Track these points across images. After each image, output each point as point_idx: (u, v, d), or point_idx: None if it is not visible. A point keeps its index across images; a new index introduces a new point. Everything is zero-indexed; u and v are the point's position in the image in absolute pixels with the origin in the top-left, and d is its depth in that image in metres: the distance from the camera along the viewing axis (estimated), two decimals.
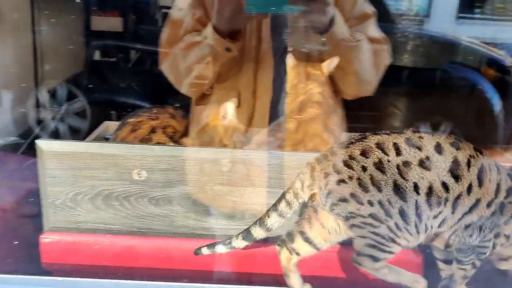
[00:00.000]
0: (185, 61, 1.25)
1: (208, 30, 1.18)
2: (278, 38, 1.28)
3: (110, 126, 1.32)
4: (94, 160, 0.98)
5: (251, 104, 1.28)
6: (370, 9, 1.29)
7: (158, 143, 1.09)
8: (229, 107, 1.09)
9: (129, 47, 3.39)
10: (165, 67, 1.30)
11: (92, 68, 3.48)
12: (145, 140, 1.09)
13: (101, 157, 0.98)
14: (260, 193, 0.99)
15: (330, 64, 1.10)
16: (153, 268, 1.04)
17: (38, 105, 3.02)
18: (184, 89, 1.30)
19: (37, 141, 0.97)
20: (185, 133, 1.13)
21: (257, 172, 0.99)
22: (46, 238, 1.02)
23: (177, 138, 1.12)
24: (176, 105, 1.31)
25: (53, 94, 3.04)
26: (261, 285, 0.98)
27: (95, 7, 3.87)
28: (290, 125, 1.09)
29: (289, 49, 1.28)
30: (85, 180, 0.99)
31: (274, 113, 1.28)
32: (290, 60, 1.12)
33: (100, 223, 1.02)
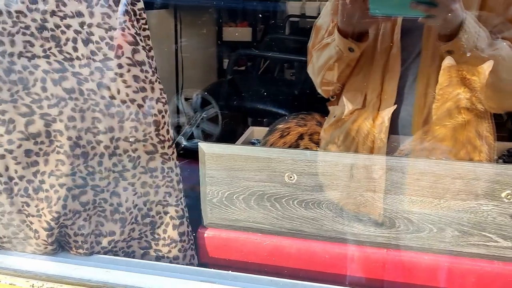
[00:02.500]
0: (318, 61, 1.32)
1: (335, 31, 1.22)
2: (408, 43, 1.26)
3: (255, 131, 1.40)
4: (249, 163, 1.05)
5: (376, 106, 1.27)
6: None
7: (306, 149, 1.12)
8: (386, 114, 1.10)
9: (259, 56, 3.52)
10: (308, 69, 1.38)
11: (224, 77, 3.67)
12: (293, 146, 1.14)
13: (255, 160, 1.04)
14: (411, 202, 0.98)
15: (487, 69, 1.04)
16: (300, 269, 1.08)
17: (178, 111, 3.27)
18: (319, 88, 1.37)
19: (200, 144, 1.07)
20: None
21: (408, 180, 0.98)
22: (204, 234, 1.11)
23: None
24: None
25: (190, 101, 3.27)
26: None
27: (227, 19, 4.07)
28: (439, 132, 1.06)
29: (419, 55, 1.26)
30: (240, 180, 1.06)
31: (396, 118, 1.26)
32: (446, 61, 1.08)
33: (252, 222, 1.08)
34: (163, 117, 1.02)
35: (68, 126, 0.93)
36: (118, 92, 0.97)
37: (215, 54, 3.94)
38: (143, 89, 0.99)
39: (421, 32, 1.24)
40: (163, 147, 1.03)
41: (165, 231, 1.09)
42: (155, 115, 1.00)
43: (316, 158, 1.02)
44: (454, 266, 0.98)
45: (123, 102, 0.97)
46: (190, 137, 3.30)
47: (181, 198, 1.09)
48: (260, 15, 4.01)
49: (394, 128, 1.23)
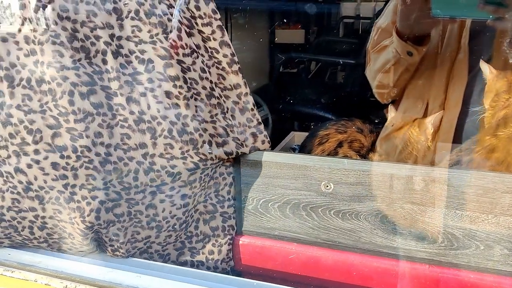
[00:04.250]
0: (375, 64, 1.25)
1: (394, 33, 1.15)
2: (477, 48, 1.17)
3: (296, 136, 1.36)
4: (284, 170, 1.02)
5: None
6: None
7: (345, 157, 1.08)
8: (430, 121, 1.04)
9: (312, 59, 3.47)
10: (366, 71, 1.31)
11: (275, 79, 3.64)
12: (331, 154, 1.09)
13: (291, 168, 1.01)
14: (456, 216, 0.91)
15: None
16: (335, 282, 1.03)
17: None
18: (374, 92, 1.30)
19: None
20: (372, 148, 1.11)
21: (453, 193, 0.92)
22: (238, 240, 1.09)
23: (363, 153, 1.10)
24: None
25: None
26: None
27: (280, 21, 4.04)
28: (489, 142, 0.98)
29: (490, 61, 1.16)
30: (276, 188, 1.03)
31: (460, 129, 1.17)
32: (491, 69, 1.01)
33: (287, 231, 1.05)
34: (200, 135, 0.96)
35: (95, 142, 0.91)
36: (149, 107, 0.93)
37: (267, 56, 3.92)
38: (175, 106, 0.94)
39: (492, 35, 1.13)
40: (205, 165, 1.00)
41: (196, 227, 1.08)
42: (191, 133, 0.95)
43: (354, 167, 0.97)
44: (502, 287, 0.90)
45: (154, 118, 0.93)
46: None
47: (210, 194, 1.06)
48: (314, 17, 3.96)
49: (457, 140, 1.15)
